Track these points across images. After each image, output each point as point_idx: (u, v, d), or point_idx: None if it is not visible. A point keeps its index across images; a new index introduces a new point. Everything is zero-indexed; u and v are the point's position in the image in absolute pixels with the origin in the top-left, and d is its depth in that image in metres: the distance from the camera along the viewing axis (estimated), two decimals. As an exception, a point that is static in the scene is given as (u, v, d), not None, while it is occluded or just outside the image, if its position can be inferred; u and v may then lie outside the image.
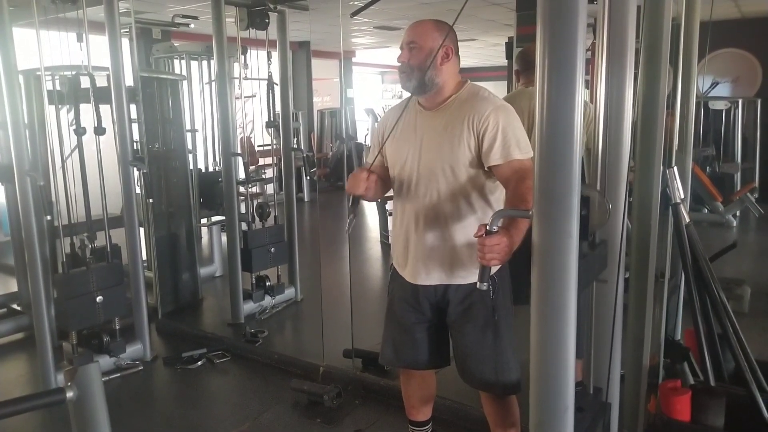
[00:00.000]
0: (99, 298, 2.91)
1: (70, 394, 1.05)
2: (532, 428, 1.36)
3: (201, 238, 5.02)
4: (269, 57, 3.80)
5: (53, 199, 3.00)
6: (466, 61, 12.17)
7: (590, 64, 2.66)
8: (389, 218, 5.20)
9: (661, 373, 2.25)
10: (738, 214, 6.20)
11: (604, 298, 1.70)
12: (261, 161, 7.08)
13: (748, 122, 7.02)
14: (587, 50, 1.29)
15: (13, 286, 4.11)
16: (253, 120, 6.36)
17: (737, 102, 6.88)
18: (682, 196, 2.13)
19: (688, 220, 2.11)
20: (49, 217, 2.88)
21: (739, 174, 6.75)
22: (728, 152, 6.88)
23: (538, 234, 1.29)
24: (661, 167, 2.01)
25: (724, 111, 6.78)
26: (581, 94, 1.24)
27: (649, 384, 2.17)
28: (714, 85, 7.05)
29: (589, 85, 1.94)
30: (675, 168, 2.14)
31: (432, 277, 1.81)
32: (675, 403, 1.90)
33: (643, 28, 1.88)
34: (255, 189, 4.72)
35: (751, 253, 5.28)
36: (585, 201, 1.32)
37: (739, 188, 6.54)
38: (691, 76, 2.67)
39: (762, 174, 6.94)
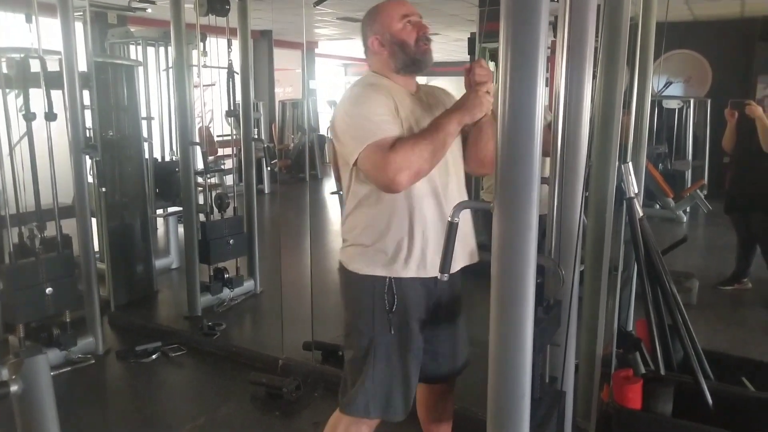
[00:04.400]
0: (48, 290, 2.81)
1: (14, 388, 1.01)
2: (489, 415, 1.37)
3: (157, 229, 4.91)
4: (230, 45, 3.73)
5: (0, 187, 2.88)
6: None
7: (550, 61, 2.71)
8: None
9: (614, 363, 2.32)
10: (688, 210, 6.44)
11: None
12: (220, 152, 6.96)
13: (699, 121, 7.28)
14: (547, 48, 1.31)
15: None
16: (212, 109, 6.24)
17: (689, 101, 7.12)
18: (636, 191, 2.19)
19: (641, 214, 2.17)
20: (-7, 206, 2.76)
21: (689, 171, 7.00)
22: (680, 150, 7.13)
23: (498, 224, 1.31)
24: (617, 163, 2.07)
25: (676, 110, 7.01)
26: (542, 89, 1.26)
27: (602, 373, 2.23)
28: (667, 84, 7.29)
29: (549, 82, 1.98)
30: (630, 163, 2.19)
31: (459, 263, 1.69)
32: (627, 392, 1.96)
33: (603, 27, 1.92)
34: (214, 180, 4.64)
35: (699, 247, 5.49)
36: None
37: (689, 185, 6.78)
38: (647, 75, 2.75)
39: (711, 171, 7.21)
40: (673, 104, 6.95)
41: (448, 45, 10.18)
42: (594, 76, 1.83)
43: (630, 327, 2.80)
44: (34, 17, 2.77)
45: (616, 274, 2.39)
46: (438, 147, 1.51)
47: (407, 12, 1.64)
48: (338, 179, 1.75)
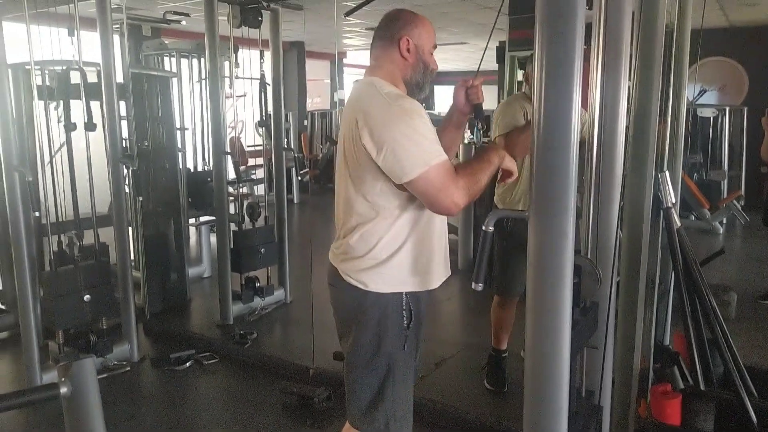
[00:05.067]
0: (86, 297, 2.88)
1: (64, 390, 1.03)
2: (526, 429, 1.36)
3: (189, 238, 4.99)
4: (262, 56, 3.79)
5: (41, 195, 2.96)
6: (456, 65, 12.23)
7: (584, 69, 2.67)
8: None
9: (651, 378, 2.27)
10: (724, 221, 6.27)
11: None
12: (250, 161, 7.06)
13: (734, 130, 7.10)
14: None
15: (-5, 284, 4.04)
16: (244, 120, 6.34)
17: (724, 110, 6.96)
18: (674, 201, 2.15)
19: (679, 224, 2.12)
20: (37, 214, 2.84)
21: (725, 181, 6.83)
22: (715, 159, 6.96)
23: (534, 235, 1.30)
24: (653, 172, 2.03)
25: (711, 118, 6.86)
26: (578, 98, 1.25)
27: (639, 388, 2.18)
28: (702, 92, 7.14)
29: (582, 90, 1.96)
30: (667, 172, 2.15)
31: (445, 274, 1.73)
32: (666, 407, 1.92)
33: (638, 34, 1.89)
34: (244, 189, 4.70)
35: (737, 259, 5.34)
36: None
37: (725, 195, 6.61)
38: (682, 83, 2.69)
39: (748, 181, 7.02)
40: (708, 112, 6.79)
41: (476, 54, 10.17)
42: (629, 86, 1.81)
43: (667, 341, 2.74)
44: (76, 31, 2.85)
45: (652, 286, 2.34)
46: (489, 179, 1.59)
47: (436, 43, 1.69)
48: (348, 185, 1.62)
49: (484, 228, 1.49)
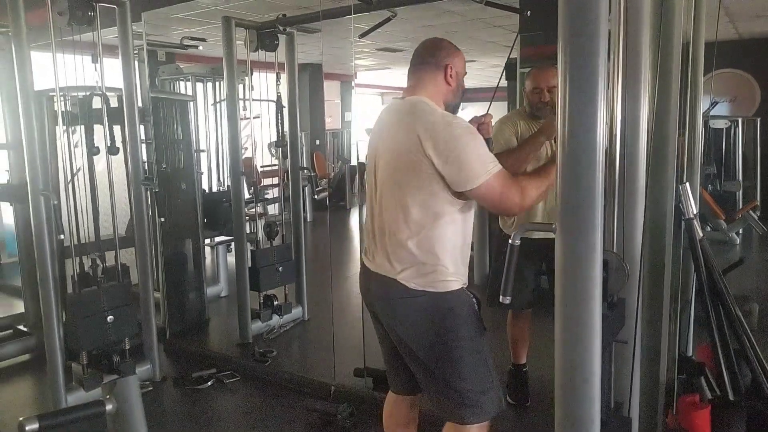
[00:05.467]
0: (110, 318, 2.91)
1: (109, 407, 1.06)
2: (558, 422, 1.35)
3: (205, 258, 5.03)
4: (278, 78, 3.85)
5: (63, 218, 3.01)
6: (466, 83, 12.33)
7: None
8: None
9: (676, 389, 2.25)
10: (741, 231, 6.23)
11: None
12: (263, 182, 7.12)
13: (747, 141, 7.08)
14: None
15: (16, 307, 4.10)
16: (254, 141, 6.40)
17: (737, 121, 6.95)
18: (695, 212, 2.15)
19: (701, 235, 2.13)
20: (62, 236, 2.89)
21: (740, 192, 6.80)
22: (729, 170, 6.93)
23: (561, 248, 1.31)
24: (674, 183, 2.04)
25: (724, 130, 6.85)
26: (603, 111, 1.27)
27: (665, 400, 2.17)
28: (713, 104, 7.13)
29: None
30: (687, 184, 2.16)
31: None
32: (695, 418, 1.90)
33: (657, 49, 1.91)
34: (259, 209, 4.74)
35: (755, 270, 5.30)
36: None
37: (741, 206, 6.58)
38: (698, 95, 2.71)
39: (763, 192, 6.98)
40: (721, 124, 6.79)
41: (485, 71, 10.24)
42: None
43: (690, 352, 2.72)
44: (99, 58, 2.92)
45: (675, 298, 2.33)
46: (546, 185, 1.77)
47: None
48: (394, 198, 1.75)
49: (510, 242, 1.51)
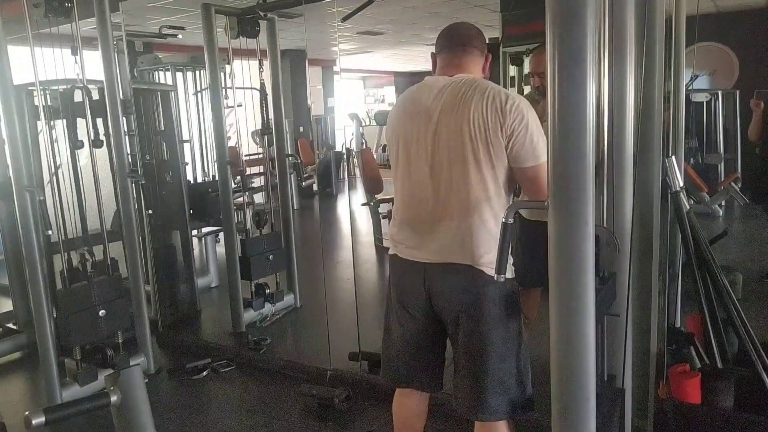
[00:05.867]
0: (101, 312, 2.89)
1: (114, 398, 1.06)
2: (555, 418, 1.38)
3: (194, 249, 5.00)
4: (261, 65, 3.81)
5: (49, 214, 2.98)
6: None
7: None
8: (383, 221, 5.23)
9: (666, 360, 2.30)
10: (723, 203, 6.33)
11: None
12: (249, 170, 7.07)
13: (728, 113, 7.16)
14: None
15: (6, 306, 4.05)
16: (239, 129, 6.35)
17: (717, 94, 7.02)
18: (681, 185, 2.18)
19: (688, 207, 2.16)
20: (50, 232, 2.86)
21: (722, 164, 6.89)
22: (710, 144, 7.02)
23: (554, 223, 1.33)
24: (661, 157, 2.06)
25: (705, 103, 6.92)
26: (592, 87, 1.28)
27: (656, 370, 2.21)
28: (694, 78, 7.18)
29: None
30: (673, 157, 2.19)
31: None
32: (686, 387, 1.95)
33: (643, 23, 1.92)
34: (246, 197, 4.72)
35: (738, 241, 5.40)
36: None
37: (723, 178, 6.67)
38: (680, 69, 2.74)
39: (744, 164, 7.08)
40: (701, 97, 6.86)
41: (467, 52, 10.21)
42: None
43: (678, 323, 2.77)
44: (78, 50, 2.87)
45: (664, 270, 2.37)
46: None
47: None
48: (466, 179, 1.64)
49: (503, 220, 1.52)
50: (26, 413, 0.98)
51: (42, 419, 0.97)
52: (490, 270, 1.61)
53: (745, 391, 2.00)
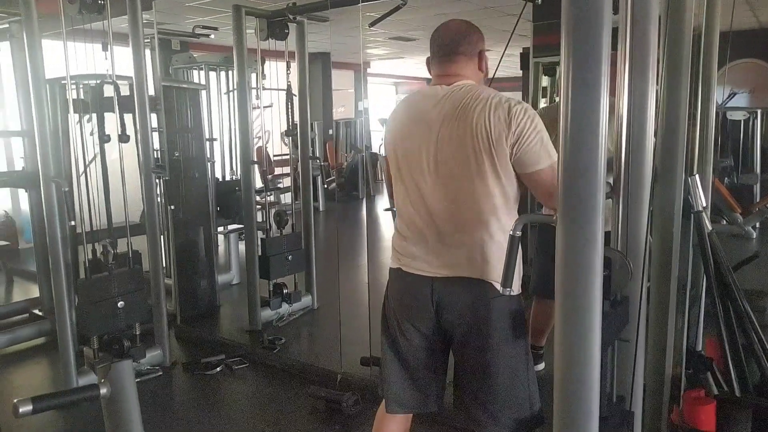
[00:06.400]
0: (120, 303, 2.95)
1: (103, 390, 1.07)
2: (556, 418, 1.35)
3: (218, 246, 5.08)
4: (288, 67, 3.85)
5: (76, 205, 3.06)
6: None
7: (611, 74, 2.67)
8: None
9: (683, 384, 2.23)
10: (758, 225, 6.13)
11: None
12: (277, 170, 7.15)
13: (766, 133, 6.95)
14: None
15: (34, 291, 4.17)
16: (270, 130, 6.44)
17: (756, 112, 6.81)
18: (704, 204, 2.12)
19: (710, 228, 2.10)
20: (72, 223, 2.93)
21: (758, 185, 6.68)
22: (747, 163, 6.82)
23: (562, 239, 1.30)
24: (683, 175, 2.01)
25: (742, 121, 6.72)
26: (605, 102, 1.25)
27: (671, 395, 2.15)
28: (731, 95, 7.01)
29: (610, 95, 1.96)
30: (697, 176, 2.13)
31: None
32: (700, 413, 1.89)
33: (665, 38, 1.88)
34: (271, 198, 4.77)
35: (771, 264, 5.21)
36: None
37: (758, 199, 6.47)
38: (711, 85, 2.66)
39: (781, 185, 6.85)
40: (738, 115, 6.67)
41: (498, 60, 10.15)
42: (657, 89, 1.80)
43: (699, 347, 2.69)
44: (109, 46, 2.94)
45: (684, 291, 2.31)
46: None
47: None
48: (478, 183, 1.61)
49: (511, 233, 1.50)
50: (14, 401, 1.00)
51: (29, 408, 0.99)
52: (498, 283, 1.59)
53: (764, 423, 1.93)
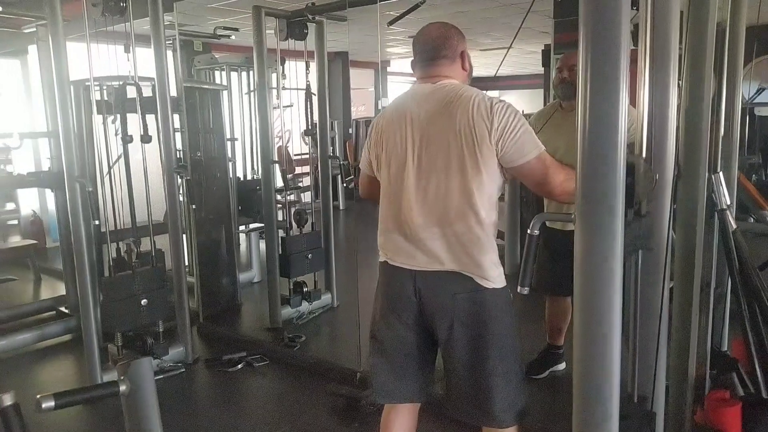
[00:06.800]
0: (144, 301, 3.00)
1: (123, 388, 1.10)
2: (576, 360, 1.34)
3: (239, 244, 5.13)
4: (307, 67, 3.87)
5: (100, 205, 3.11)
6: (501, 70, 12.13)
7: (631, 71, 2.64)
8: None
9: (707, 385, 2.19)
10: (786, 223, 5.98)
11: (649, 314, 1.67)
12: (297, 170, 7.19)
13: (796, 129, 6.78)
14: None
15: (61, 289, 4.27)
16: (291, 129, 6.48)
17: (785, 108, 6.65)
18: (729, 202, 2.08)
19: (734, 226, 2.05)
20: (96, 222, 2.99)
21: (787, 182, 6.52)
22: (776, 160, 6.66)
23: (581, 238, 1.29)
24: (707, 173, 1.97)
25: (771, 117, 6.57)
26: (625, 99, 1.24)
27: (695, 395, 2.11)
28: (760, 91, 6.84)
29: (630, 92, 1.93)
30: (721, 173, 2.09)
31: None
32: (724, 415, 1.85)
33: (687, 33, 1.85)
34: (292, 197, 4.80)
35: (800, 263, 5.08)
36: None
37: (787, 197, 6.31)
38: (737, 81, 2.61)
39: (812, 182, 6.68)
40: (767, 111, 6.51)
41: (521, 58, 10.07)
42: (679, 85, 1.77)
43: (725, 347, 2.64)
44: (131, 48, 2.99)
45: (708, 290, 2.26)
46: None
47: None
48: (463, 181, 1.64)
49: (529, 232, 1.50)
50: (37, 396, 1.03)
51: (51, 403, 1.01)
52: (479, 277, 1.64)
53: (790, 425, 1.89)
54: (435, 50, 1.73)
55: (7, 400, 0.96)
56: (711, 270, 2.33)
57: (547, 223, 2.60)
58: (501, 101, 1.64)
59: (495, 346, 1.67)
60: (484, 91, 1.68)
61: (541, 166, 1.62)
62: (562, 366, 2.96)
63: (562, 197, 1.68)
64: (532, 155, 1.61)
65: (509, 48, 2.71)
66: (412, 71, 1.83)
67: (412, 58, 1.81)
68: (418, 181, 1.67)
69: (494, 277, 1.65)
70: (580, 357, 1.31)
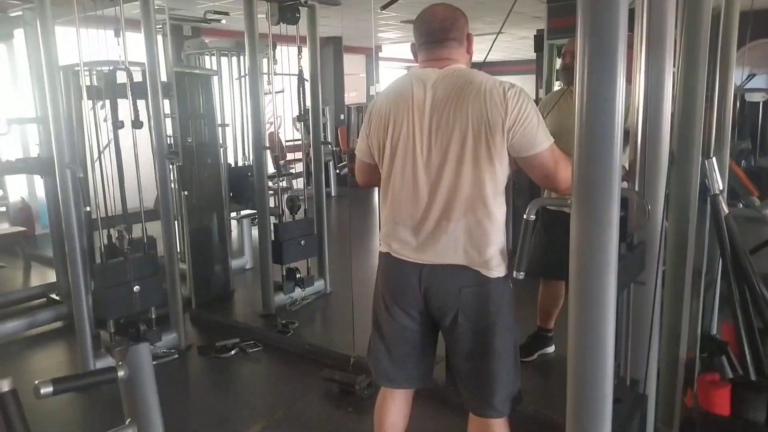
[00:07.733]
0: (136, 288, 2.98)
1: (121, 373, 1.10)
2: (569, 418, 1.36)
3: (231, 231, 5.10)
4: (300, 52, 3.83)
5: (90, 192, 3.08)
6: (493, 55, 12.09)
7: (628, 55, 2.64)
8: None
9: (698, 368, 2.22)
10: (775, 209, 6.05)
11: (641, 298, 1.69)
12: (289, 156, 7.15)
13: (786, 115, 6.82)
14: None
15: (51, 276, 4.24)
16: (282, 115, 6.43)
17: (775, 94, 6.69)
18: (721, 188, 2.10)
19: (726, 211, 2.07)
20: (88, 209, 2.96)
21: (777, 168, 6.58)
22: (765, 146, 6.71)
23: (576, 224, 1.29)
24: (700, 158, 1.98)
25: (761, 103, 6.60)
26: (622, 84, 1.24)
27: (685, 378, 2.14)
28: (751, 76, 6.87)
29: (627, 76, 1.93)
30: (714, 159, 2.10)
31: None
32: (714, 397, 1.87)
33: (683, 18, 1.85)
34: (284, 183, 4.78)
35: (788, 248, 5.15)
36: (623, 202, 1.31)
37: (775, 183, 6.37)
38: (729, 67, 2.62)
39: (800, 168, 6.74)
40: (758, 97, 6.55)
41: (513, 43, 10.04)
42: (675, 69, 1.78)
43: (714, 331, 2.67)
44: (122, 32, 2.95)
45: (699, 275, 2.29)
46: None
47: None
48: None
49: (525, 217, 1.49)
50: (36, 382, 1.02)
51: (50, 389, 1.01)
52: (486, 269, 1.62)
53: (779, 406, 1.92)
54: (443, 31, 1.66)
55: (5, 386, 0.95)
56: (702, 255, 2.35)
57: (550, 207, 2.62)
58: (513, 86, 1.57)
59: (498, 339, 1.66)
60: (495, 76, 1.63)
61: (550, 158, 1.58)
62: (551, 349, 2.99)
63: (568, 192, 1.65)
64: (543, 146, 1.56)
65: (498, 33, 2.67)
66: (412, 55, 1.76)
67: (413, 41, 1.74)
68: (427, 171, 1.62)
69: (499, 266, 1.63)
70: (575, 341, 1.32)
